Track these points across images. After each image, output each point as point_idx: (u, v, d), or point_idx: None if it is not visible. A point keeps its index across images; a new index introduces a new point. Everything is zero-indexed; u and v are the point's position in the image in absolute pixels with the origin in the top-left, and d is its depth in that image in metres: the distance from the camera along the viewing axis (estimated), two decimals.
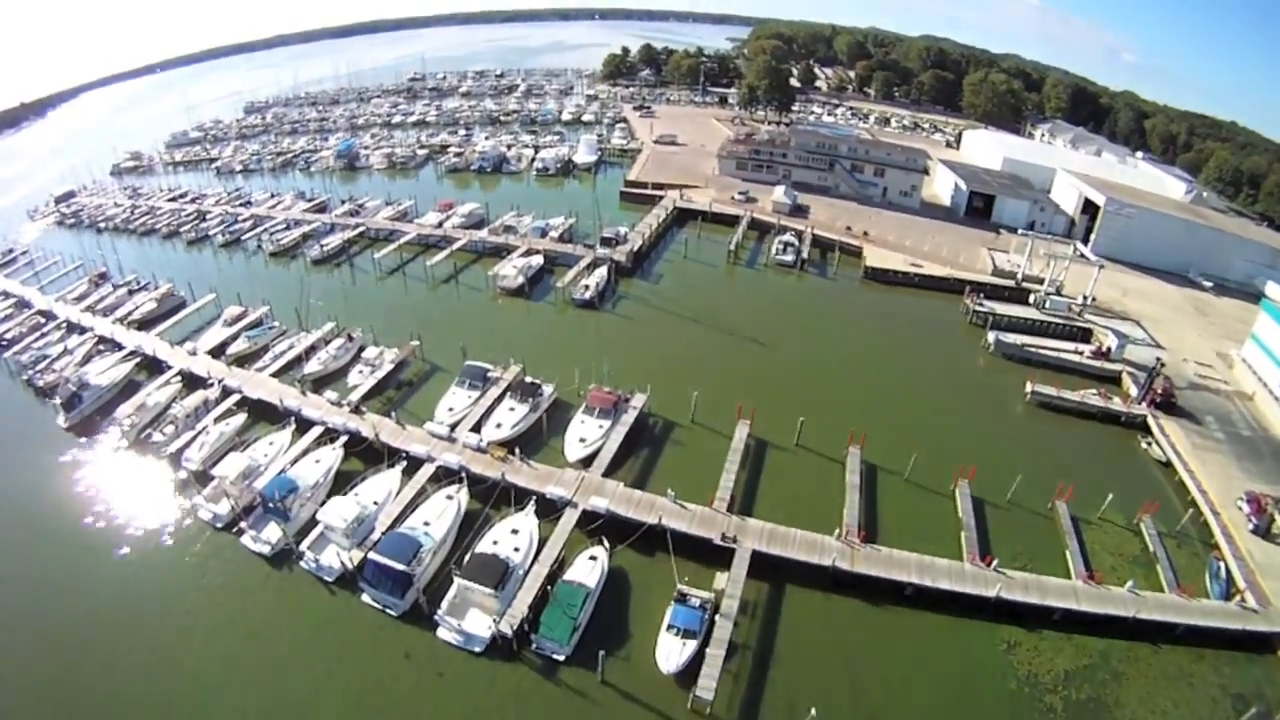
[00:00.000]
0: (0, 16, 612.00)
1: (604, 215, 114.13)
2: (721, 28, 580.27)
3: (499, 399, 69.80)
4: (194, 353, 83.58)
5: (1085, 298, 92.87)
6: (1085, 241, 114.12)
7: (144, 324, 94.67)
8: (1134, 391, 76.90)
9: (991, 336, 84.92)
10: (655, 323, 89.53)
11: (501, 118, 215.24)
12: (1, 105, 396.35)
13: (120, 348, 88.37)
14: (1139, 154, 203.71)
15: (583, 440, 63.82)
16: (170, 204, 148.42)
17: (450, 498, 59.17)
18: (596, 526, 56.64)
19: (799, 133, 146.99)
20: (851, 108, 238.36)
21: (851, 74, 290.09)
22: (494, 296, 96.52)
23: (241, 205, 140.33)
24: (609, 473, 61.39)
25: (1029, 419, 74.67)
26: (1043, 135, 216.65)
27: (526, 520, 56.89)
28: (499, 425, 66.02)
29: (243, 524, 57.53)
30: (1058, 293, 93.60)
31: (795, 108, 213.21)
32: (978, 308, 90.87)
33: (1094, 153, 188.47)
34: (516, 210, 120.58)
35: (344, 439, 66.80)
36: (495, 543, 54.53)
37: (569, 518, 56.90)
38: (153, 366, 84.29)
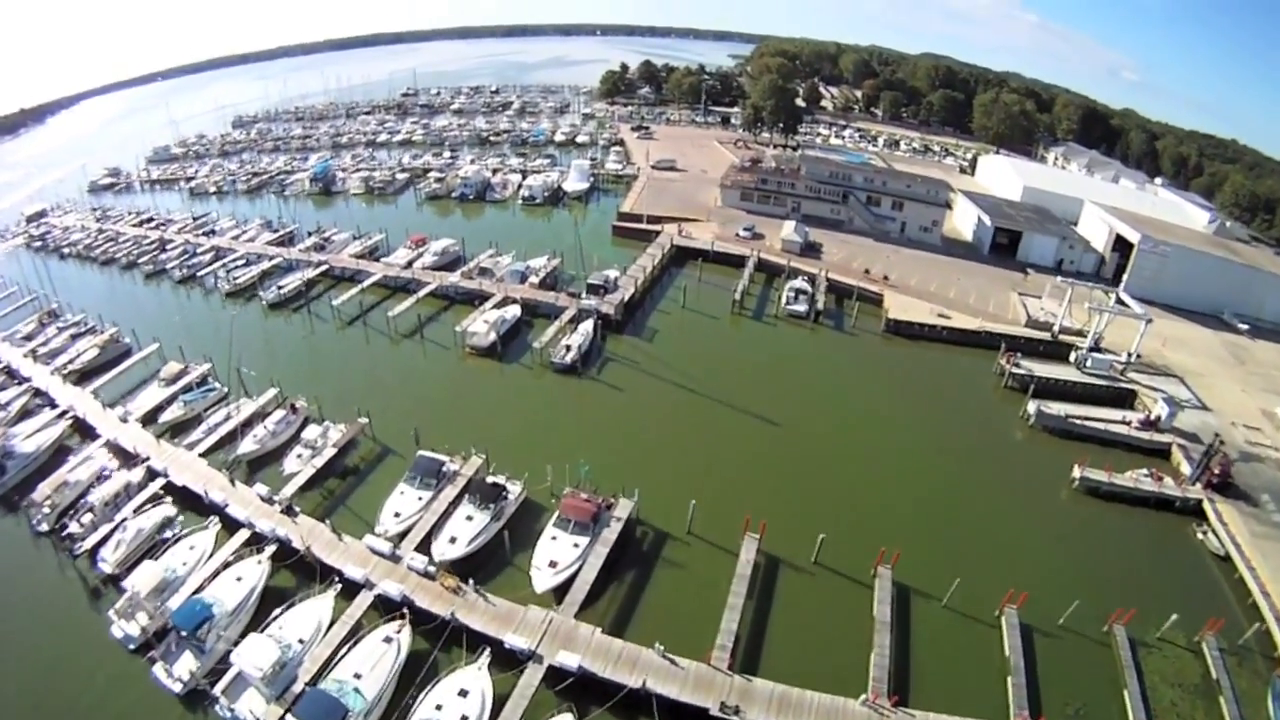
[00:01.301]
0: (2, 21, 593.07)
1: (593, 255, 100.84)
2: (723, 44, 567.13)
3: (455, 502, 55.97)
4: (125, 419, 72.16)
5: (1129, 355, 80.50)
6: (1115, 281, 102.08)
7: (85, 374, 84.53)
8: (1186, 469, 65.35)
9: (1032, 407, 71.94)
10: (646, 394, 74.96)
11: (491, 138, 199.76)
12: (1, 111, 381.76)
13: (54, 405, 78.03)
14: (1157, 180, 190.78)
15: (553, 564, 49.99)
16: (135, 229, 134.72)
17: (389, 640, 45.74)
18: (566, 686, 43.16)
19: (810, 160, 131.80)
20: (859, 129, 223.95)
21: (858, 94, 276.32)
22: (462, 356, 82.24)
23: (205, 234, 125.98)
24: (584, 609, 47.57)
25: (1077, 511, 61.79)
26: (1056, 159, 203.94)
27: (479, 678, 43.34)
28: (453, 540, 52.16)
29: (154, 651, 46.12)
30: (1098, 348, 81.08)
31: (801, 129, 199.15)
32: (1014, 369, 77.96)
33: (1111, 179, 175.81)
34: (495, 249, 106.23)
35: (273, 548, 53.62)
36: (439, 708, 41.25)
37: (532, 674, 43.36)
38: (84, 430, 73.32)
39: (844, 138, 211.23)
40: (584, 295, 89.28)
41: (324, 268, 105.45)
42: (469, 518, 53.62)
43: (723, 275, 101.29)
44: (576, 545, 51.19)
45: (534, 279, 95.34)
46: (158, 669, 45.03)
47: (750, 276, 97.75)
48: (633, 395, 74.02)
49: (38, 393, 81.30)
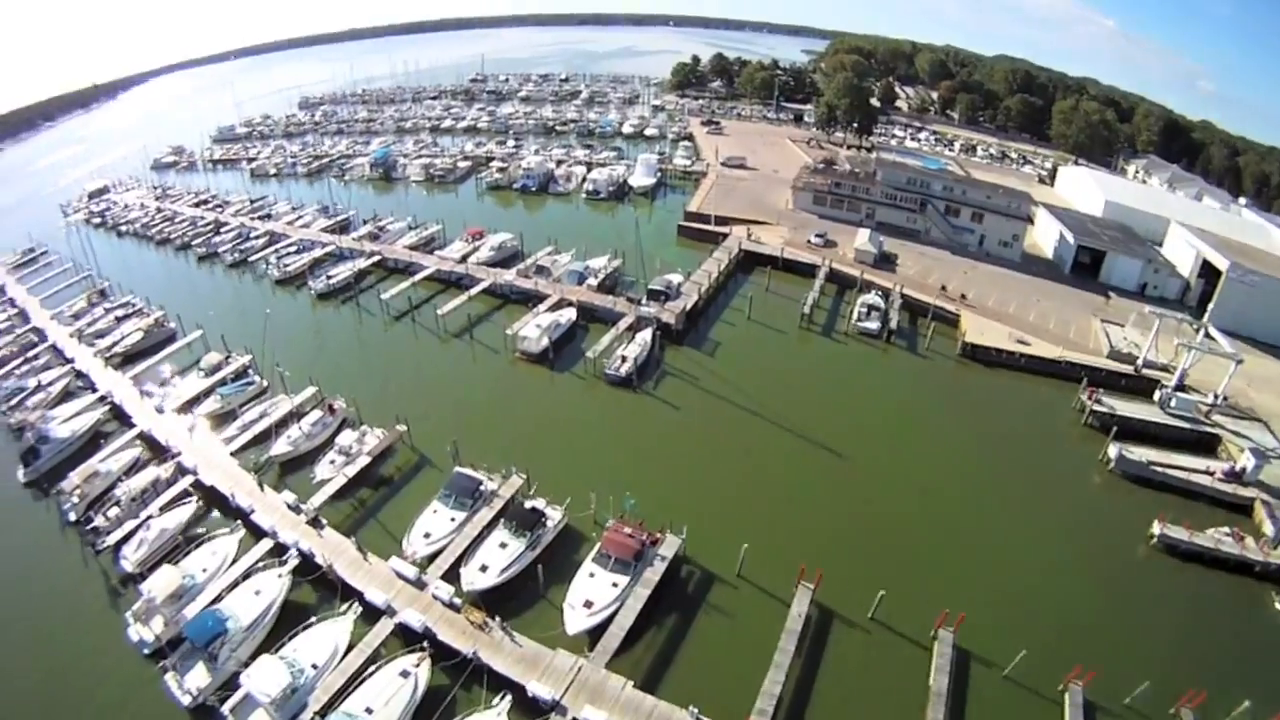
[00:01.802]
0: None
1: (656, 256, 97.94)
2: (796, 39, 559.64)
3: (490, 526, 53.57)
4: (161, 409, 73.01)
5: (1216, 396, 73.82)
6: (1199, 310, 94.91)
7: (127, 358, 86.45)
8: (1269, 529, 59.00)
9: (1114, 451, 66.07)
10: (703, 414, 71.12)
11: (557, 128, 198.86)
12: (75, 85, 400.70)
13: (94, 389, 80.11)
14: (1241, 200, 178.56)
15: (589, 605, 47.00)
16: (192, 210, 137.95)
17: (407, 674, 43.54)
18: None
19: (886, 165, 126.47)
20: (935, 132, 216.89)
21: (934, 95, 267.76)
22: (511, 360, 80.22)
23: (260, 218, 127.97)
24: (616, 658, 44.38)
25: (1153, 571, 56.01)
26: (1136, 172, 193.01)
27: None
28: (484, 568, 49.69)
29: (167, 660, 45.63)
30: (1182, 387, 74.57)
31: (876, 130, 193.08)
32: (1096, 406, 72.15)
33: (1194, 196, 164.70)
34: (554, 246, 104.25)
35: (295, 561, 52.31)
36: None
37: None
38: (120, 417, 74.53)
39: (919, 141, 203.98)
40: (644, 301, 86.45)
41: (376, 258, 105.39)
42: (503, 544, 51.07)
43: (792, 284, 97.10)
44: (615, 585, 48.13)
45: (592, 281, 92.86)
46: (169, 678, 44.38)
47: (821, 288, 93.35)
48: (689, 415, 70.46)
49: (79, 374, 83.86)
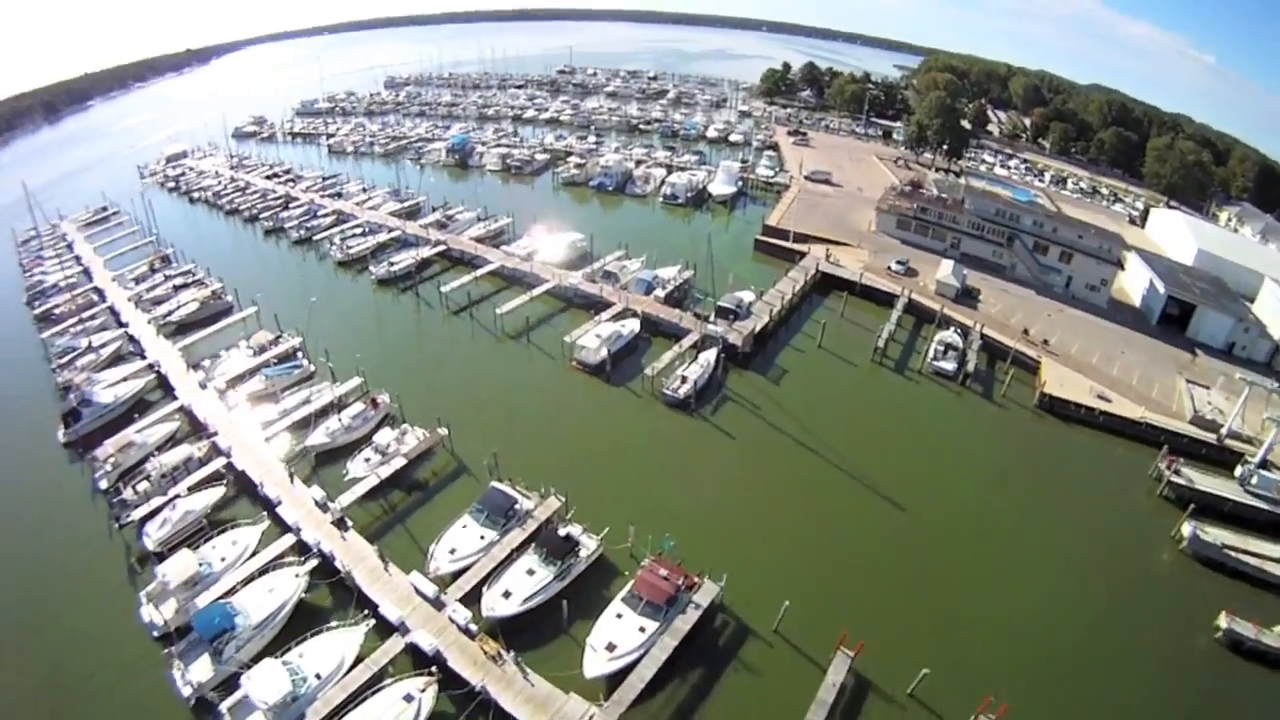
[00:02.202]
0: None
1: (729, 271, 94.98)
2: (890, 54, 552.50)
3: (519, 549, 51.67)
4: (205, 384, 73.85)
5: None
6: None
7: (181, 327, 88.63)
8: None
9: (1188, 529, 60.41)
10: (760, 448, 67.43)
11: (641, 126, 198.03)
12: (170, 49, 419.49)
13: (143, 356, 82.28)
14: None
15: (611, 648, 44.41)
16: (265, 182, 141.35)
17: (410, 698, 41.82)
18: None
19: (975, 194, 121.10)
20: (1026, 161, 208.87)
21: (1026, 121, 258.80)
22: (566, 368, 78.36)
23: (331, 195, 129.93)
24: (633, 709, 41.53)
25: (1214, 669, 50.48)
26: (1229, 220, 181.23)
27: None
28: (507, 594, 47.66)
29: (173, 647, 45.34)
30: (1266, 465, 68.07)
31: (966, 154, 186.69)
32: (1174, 478, 66.48)
33: None
34: (625, 251, 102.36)
35: (314, 562, 51.33)
36: None
37: None
38: (165, 387, 75.83)
39: (1009, 169, 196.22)
40: (712, 319, 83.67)
41: (441, 248, 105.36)
42: (530, 571, 48.98)
43: (868, 313, 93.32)
44: (643, 630, 45.41)
45: (660, 292, 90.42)
46: (174, 667, 43.90)
47: (898, 319, 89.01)
48: (745, 446, 67.28)
49: (132, 339, 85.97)
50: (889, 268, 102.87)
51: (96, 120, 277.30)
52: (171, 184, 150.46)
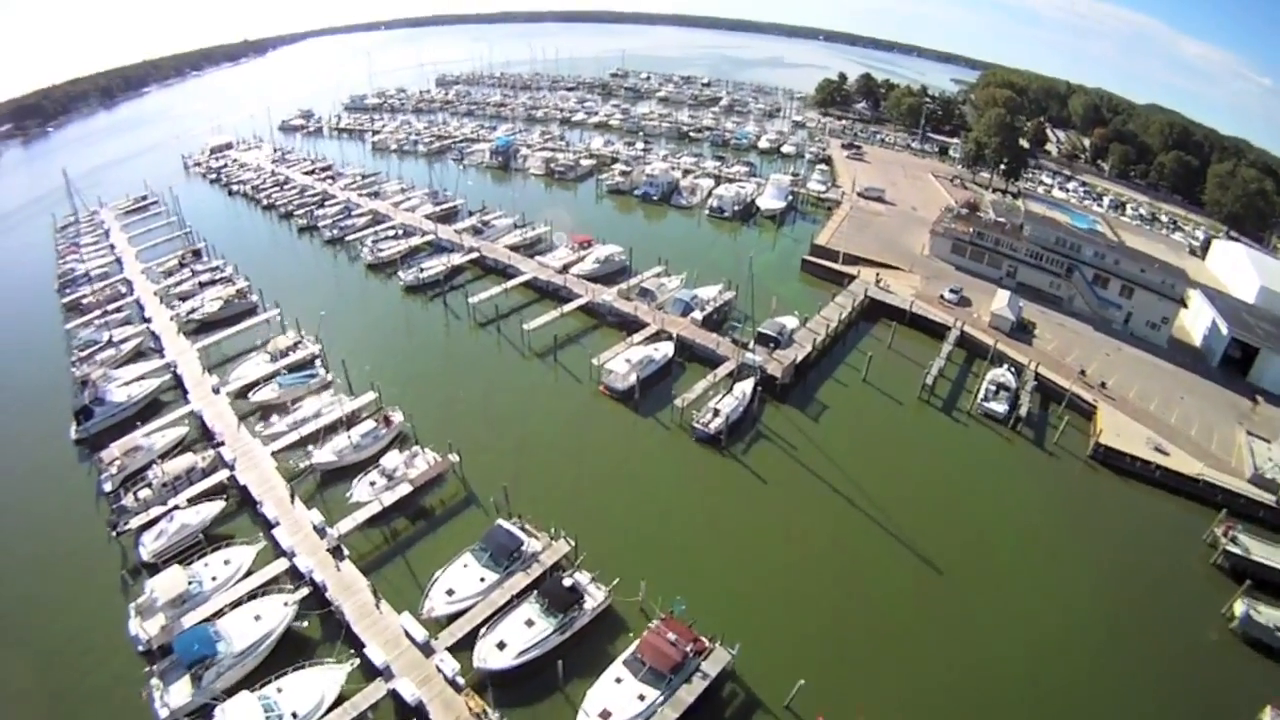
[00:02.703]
0: None
1: (774, 293, 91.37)
2: (946, 67, 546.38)
3: (521, 595, 48.44)
4: (218, 389, 72.51)
5: None
6: None
7: (203, 326, 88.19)
8: None
9: (1240, 608, 54.38)
10: (791, 494, 62.11)
11: (691, 134, 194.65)
12: (227, 39, 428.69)
13: (161, 354, 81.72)
14: None
15: (606, 716, 40.72)
16: (304, 177, 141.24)
17: None
18: None
19: (1034, 220, 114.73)
20: (1084, 184, 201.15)
21: (1086, 142, 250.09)
22: (593, 393, 74.87)
23: (368, 194, 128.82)
24: None
25: None
26: None
27: None
28: (501, 645, 44.27)
29: (155, 666, 44.19)
30: None
31: (1024, 174, 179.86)
32: (1230, 546, 60.58)
33: None
34: (664, 266, 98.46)
35: (305, 591, 48.75)
36: None
37: None
38: (180, 389, 74.58)
39: (1068, 191, 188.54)
40: (751, 346, 79.48)
41: (474, 255, 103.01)
42: (529, 622, 45.64)
43: (917, 344, 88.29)
44: (643, 698, 41.56)
45: (698, 314, 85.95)
46: (153, 686, 42.35)
47: (949, 354, 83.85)
48: (776, 491, 62.65)
49: (154, 335, 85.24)
50: (942, 296, 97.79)
51: (150, 107, 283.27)
52: (213, 175, 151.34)
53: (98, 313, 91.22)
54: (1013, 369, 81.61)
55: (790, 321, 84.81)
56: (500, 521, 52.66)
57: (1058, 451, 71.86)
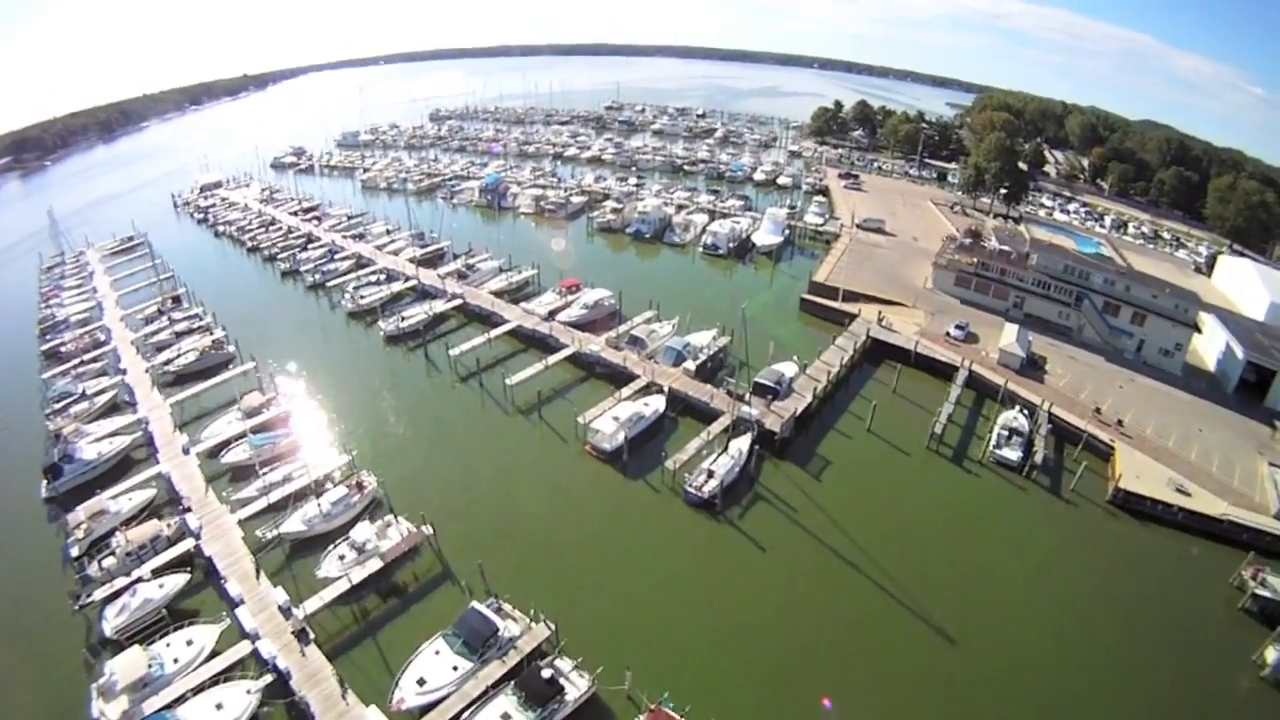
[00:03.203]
0: None
1: (771, 335, 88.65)
2: (941, 91, 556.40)
3: (496, 685, 44.97)
4: (187, 449, 69.40)
5: None
6: None
7: (179, 378, 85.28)
8: None
9: (1272, 655, 51.10)
10: (792, 563, 57.75)
11: (686, 167, 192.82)
12: (227, 74, 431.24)
13: (134, 408, 78.52)
14: None
15: None
16: (291, 218, 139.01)
17: None
18: None
19: (1041, 249, 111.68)
20: (1085, 204, 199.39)
21: (1084, 161, 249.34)
22: (579, 453, 70.40)
23: (353, 236, 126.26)
24: None
25: None
26: None
27: None
28: None
29: None
30: None
31: (1025, 198, 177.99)
32: (1259, 589, 57.28)
33: None
34: (656, 311, 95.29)
35: (269, 679, 45.39)
36: None
37: None
38: (149, 445, 71.44)
39: (1069, 213, 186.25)
40: (747, 398, 75.80)
41: (457, 302, 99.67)
42: (506, 716, 41.93)
43: (924, 386, 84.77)
44: None
45: (691, 364, 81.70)
46: None
47: (957, 397, 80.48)
48: (774, 561, 58.54)
49: (128, 388, 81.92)
50: (947, 333, 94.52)
51: (148, 143, 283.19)
52: (200, 215, 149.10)
53: (75, 362, 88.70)
54: (1025, 410, 78.39)
55: (789, 369, 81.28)
56: (475, 604, 48.81)
57: (1075, 499, 68.31)
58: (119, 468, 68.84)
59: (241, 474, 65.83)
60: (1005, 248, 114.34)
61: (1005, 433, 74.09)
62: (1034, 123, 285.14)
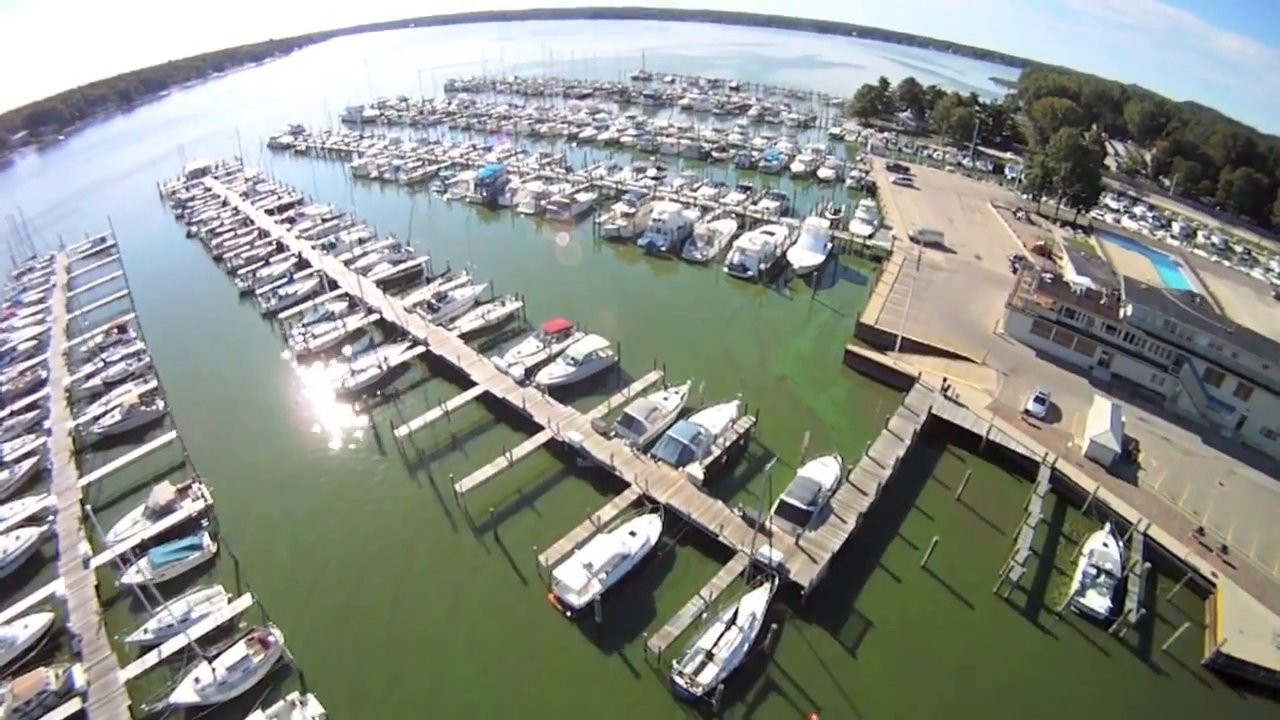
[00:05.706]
0: None
1: (808, 403, 74.46)
2: (983, 64, 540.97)
3: None
4: (87, 563, 55.42)
5: None
6: None
7: (103, 441, 71.66)
8: None
9: None
10: None
11: (714, 153, 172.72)
12: (253, 39, 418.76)
13: (50, 485, 65.41)
14: None
15: None
16: (266, 217, 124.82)
17: None
18: None
19: (1140, 296, 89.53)
20: (1153, 208, 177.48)
21: (1147, 156, 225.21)
22: (539, 605, 52.15)
23: (323, 246, 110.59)
24: None
25: None
26: None
27: None
28: None
29: None
30: None
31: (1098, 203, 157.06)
32: None
33: None
34: (662, 371, 75.98)
35: None
36: None
37: None
38: (55, 541, 58.39)
39: (1137, 218, 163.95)
40: (769, 524, 55.81)
41: (419, 350, 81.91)
42: None
43: (995, 490, 65.38)
44: None
45: (699, 466, 62.07)
46: None
47: (1040, 509, 61.17)
48: None
49: (48, 455, 69.49)
50: (1025, 411, 75.45)
51: (165, 113, 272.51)
52: (179, 209, 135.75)
53: (7, 411, 76.41)
54: (1114, 531, 60.78)
55: (828, 474, 62.18)
56: None
57: (1165, 665, 51.15)
58: (26, 568, 57.30)
59: (136, 614, 51.51)
60: (1093, 286, 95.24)
61: (1093, 570, 56.73)
62: (1089, 107, 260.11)
